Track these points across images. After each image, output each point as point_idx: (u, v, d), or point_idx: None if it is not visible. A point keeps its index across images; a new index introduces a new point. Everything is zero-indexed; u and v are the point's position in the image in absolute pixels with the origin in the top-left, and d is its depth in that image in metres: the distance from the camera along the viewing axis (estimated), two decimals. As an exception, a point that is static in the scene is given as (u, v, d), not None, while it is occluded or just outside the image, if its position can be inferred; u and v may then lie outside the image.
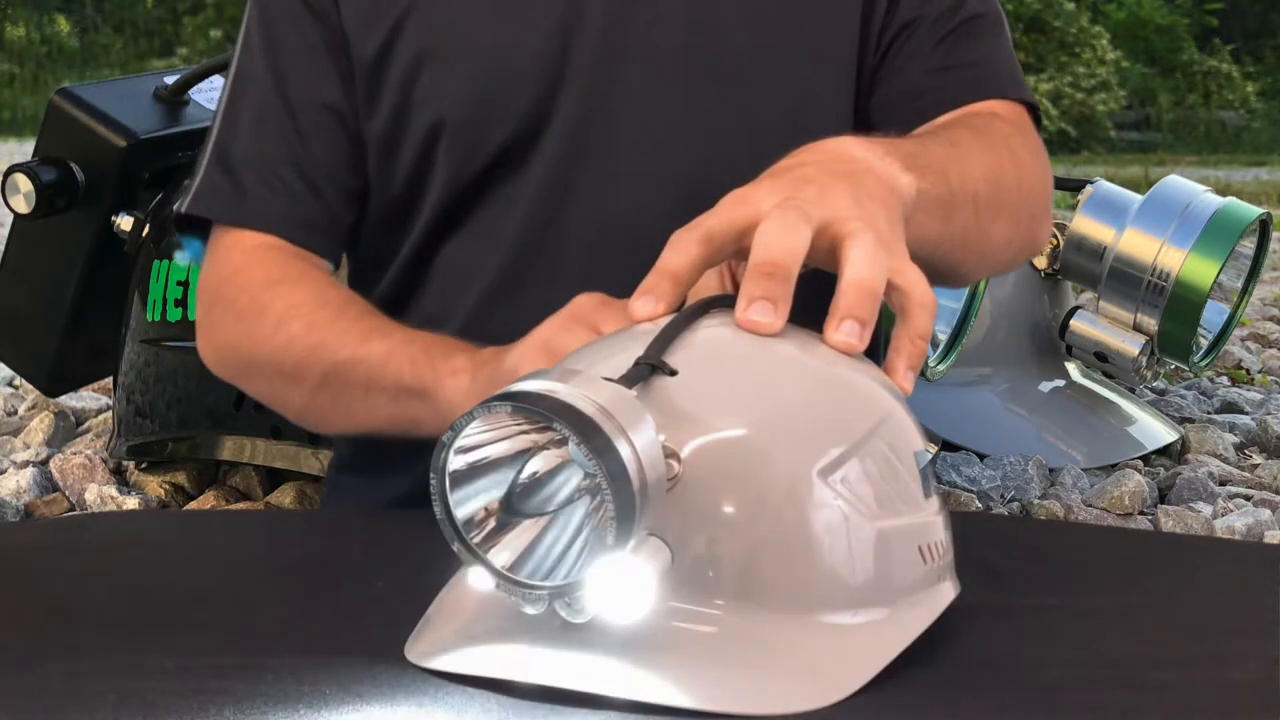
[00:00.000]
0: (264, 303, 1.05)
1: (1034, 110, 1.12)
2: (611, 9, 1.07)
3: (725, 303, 0.71)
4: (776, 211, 0.72)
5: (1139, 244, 1.99)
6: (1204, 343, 2.08)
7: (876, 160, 0.82)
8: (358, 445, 1.20)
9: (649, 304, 0.71)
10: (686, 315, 0.69)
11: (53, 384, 2.12)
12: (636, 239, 1.03)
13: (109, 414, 2.19)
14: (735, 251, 0.74)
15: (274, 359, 1.04)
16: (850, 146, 0.83)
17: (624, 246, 1.04)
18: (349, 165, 1.11)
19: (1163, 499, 1.90)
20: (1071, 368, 2.20)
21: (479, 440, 0.62)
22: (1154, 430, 2.14)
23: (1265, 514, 1.75)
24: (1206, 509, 1.80)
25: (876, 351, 0.73)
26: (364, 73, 1.09)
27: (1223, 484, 1.97)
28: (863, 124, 1.11)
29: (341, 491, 1.22)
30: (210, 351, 1.11)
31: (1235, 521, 1.72)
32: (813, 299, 0.72)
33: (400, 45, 1.08)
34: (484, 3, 1.09)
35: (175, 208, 1.13)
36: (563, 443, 0.61)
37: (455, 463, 0.62)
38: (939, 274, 0.98)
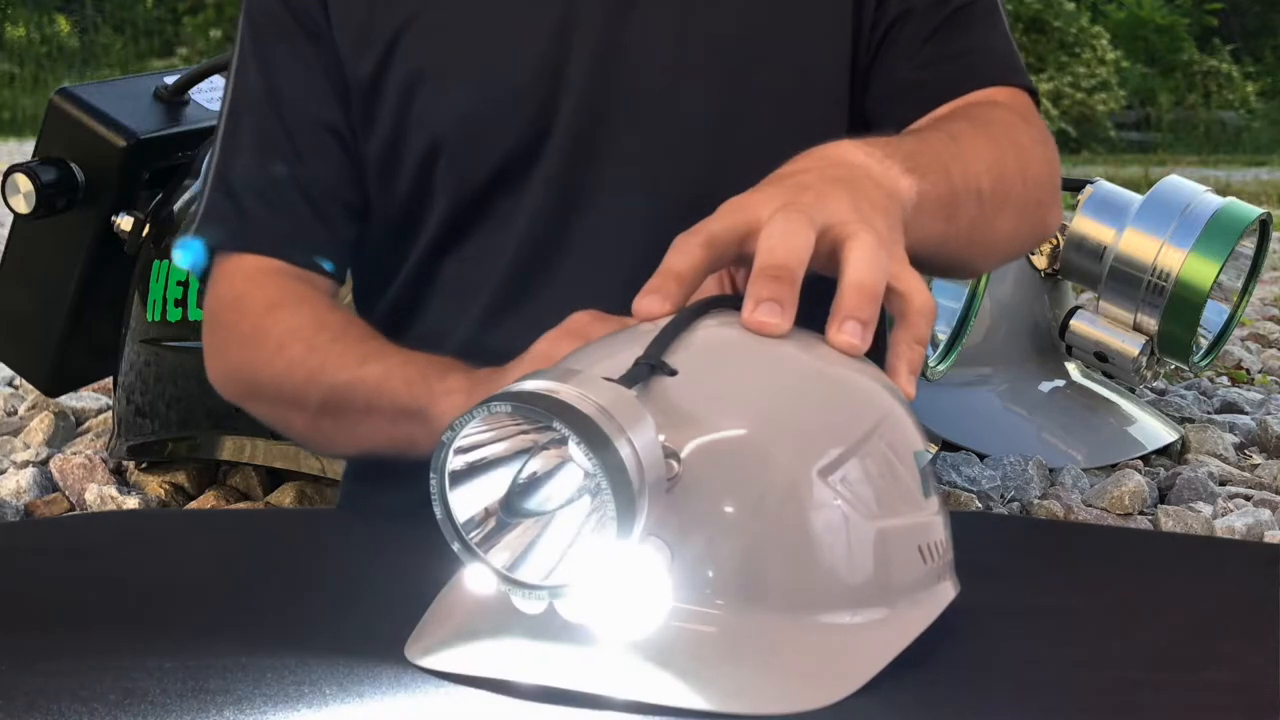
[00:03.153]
0: (264, 327, 1.06)
1: (1034, 95, 1.12)
2: (605, 24, 1.07)
3: (725, 303, 0.71)
4: (780, 215, 0.72)
5: (1139, 244, 1.99)
6: (1204, 343, 2.08)
7: (875, 164, 0.82)
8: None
9: (656, 301, 0.71)
10: (686, 315, 0.69)
11: (53, 384, 2.12)
12: (638, 252, 1.03)
13: (109, 414, 2.19)
14: (736, 257, 0.74)
15: (275, 383, 1.05)
16: (849, 151, 0.82)
17: (626, 260, 1.04)
18: (350, 183, 1.11)
19: (1163, 499, 1.90)
20: (1071, 368, 2.20)
21: (479, 440, 0.62)
22: (1154, 430, 2.14)
23: (1265, 514, 1.75)
24: (1206, 509, 1.80)
25: (875, 352, 0.73)
26: (359, 94, 1.09)
27: (1223, 484, 1.97)
28: (860, 122, 1.11)
29: (353, 501, 1.22)
30: (216, 376, 1.12)
31: (1235, 521, 1.72)
32: (810, 302, 0.72)
33: (394, 66, 1.08)
34: (477, 22, 1.08)
35: (181, 233, 1.13)
36: (562, 442, 0.61)
37: (455, 462, 0.62)
38: (946, 269, 0.98)
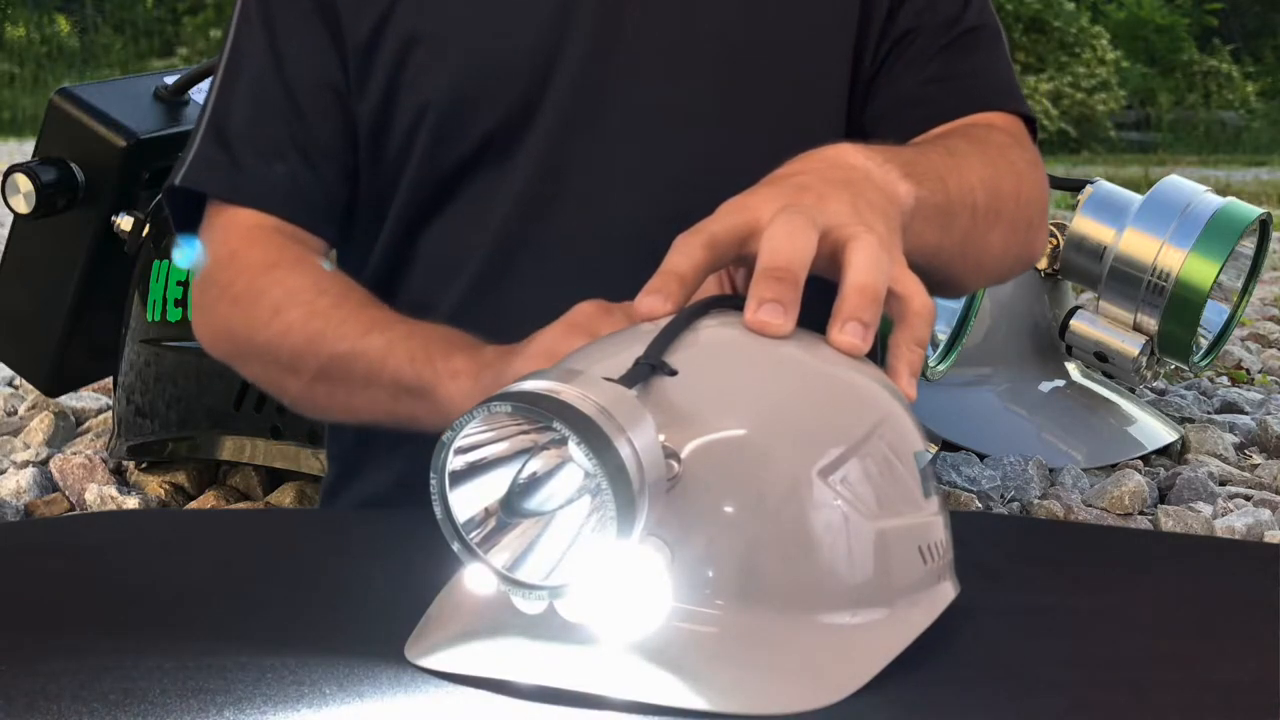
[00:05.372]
0: (261, 288, 1.04)
1: (1031, 123, 1.12)
2: (605, 7, 1.07)
3: (726, 303, 0.71)
4: (783, 216, 0.72)
5: (1139, 244, 1.99)
6: (1204, 343, 2.09)
7: (875, 168, 0.82)
8: (337, 443, 1.20)
9: (658, 301, 0.71)
10: (687, 315, 0.69)
11: (53, 384, 2.12)
12: (624, 232, 1.03)
13: (109, 414, 2.19)
14: (736, 257, 0.74)
15: (271, 346, 1.04)
16: (849, 154, 0.83)
17: (612, 239, 1.05)
18: (346, 142, 1.10)
19: (1163, 499, 1.90)
20: (1071, 368, 2.20)
21: (479, 440, 0.62)
22: (1154, 430, 2.14)
23: (1265, 514, 1.75)
24: (1206, 509, 1.80)
25: (874, 355, 0.73)
26: (356, 55, 1.08)
27: (1223, 484, 1.97)
28: (859, 133, 1.11)
29: (333, 491, 1.22)
30: (206, 333, 1.10)
31: (1235, 521, 1.72)
32: (810, 303, 0.72)
33: (391, 28, 1.07)
34: None
35: (168, 181, 1.11)
36: (563, 442, 0.61)
37: (455, 462, 0.62)
38: (937, 283, 0.98)
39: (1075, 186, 2.10)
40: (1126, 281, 2.00)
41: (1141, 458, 2.07)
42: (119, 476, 1.96)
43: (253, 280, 1.05)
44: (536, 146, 1.07)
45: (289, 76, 1.09)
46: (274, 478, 1.94)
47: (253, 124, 1.09)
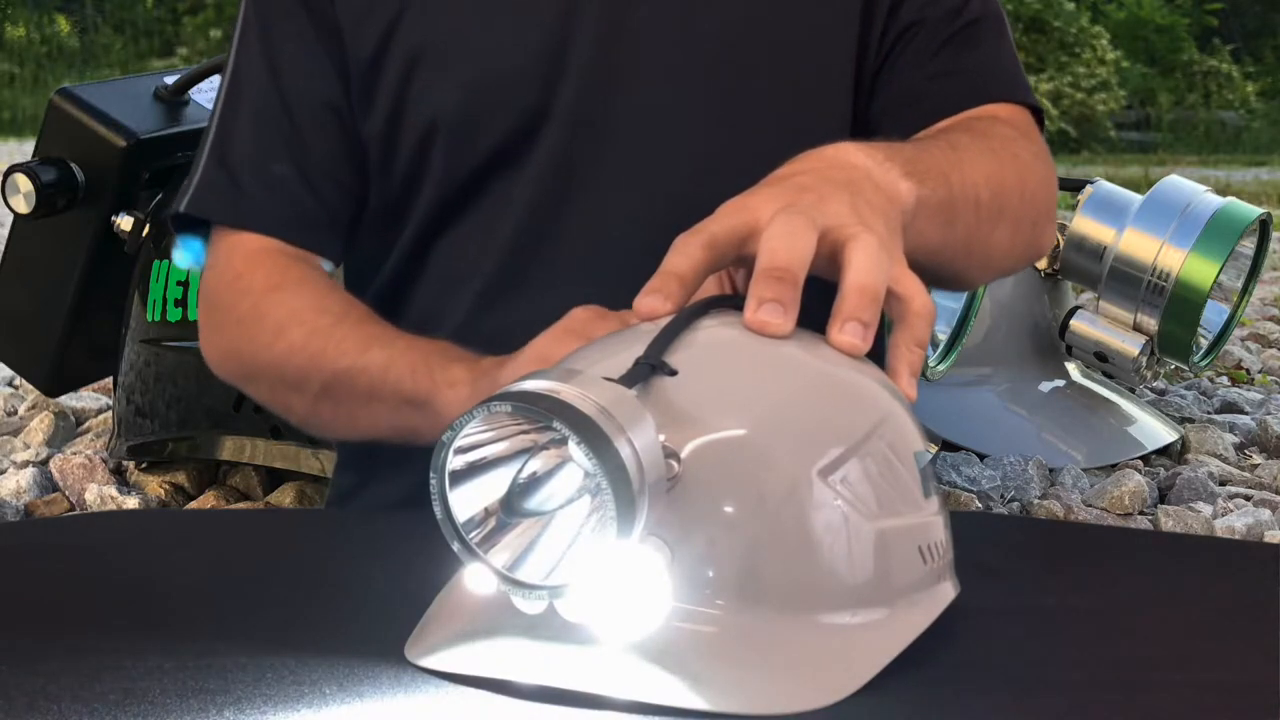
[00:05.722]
0: (264, 310, 1.05)
1: (1038, 113, 1.12)
2: (608, 10, 1.07)
3: (725, 303, 0.71)
4: (782, 216, 0.72)
5: (1139, 244, 1.99)
6: (1204, 343, 2.09)
7: (876, 167, 0.82)
8: (350, 447, 1.20)
9: (657, 301, 0.71)
10: (687, 315, 0.69)
11: (53, 384, 2.12)
12: (633, 241, 1.03)
13: (109, 414, 2.19)
14: (736, 258, 0.74)
15: (275, 367, 1.05)
16: (849, 153, 0.83)
17: (621, 249, 1.05)
18: (348, 162, 1.11)
19: (1163, 499, 1.90)
20: (1071, 368, 2.20)
21: (479, 440, 0.62)
22: (1154, 430, 2.14)
23: (1265, 514, 1.75)
24: (1206, 509, 1.80)
25: (874, 355, 0.74)
26: (359, 74, 1.09)
27: (1223, 484, 1.97)
28: (864, 129, 1.11)
29: (341, 494, 1.22)
30: (213, 357, 1.12)
31: (1235, 521, 1.72)
32: (809, 304, 0.72)
33: (394, 45, 1.08)
34: (479, 1, 1.08)
35: (173, 207, 1.12)
36: (563, 442, 0.61)
37: (455, 462, 0.62)
38: (942, 279, 0.98)
39: (1075, 186, 2.10)
40: (1126, 281, 2.00)
41: (1141, 458, 2.07)
42: (119, 476, 1.96)
43: (256, 303, 1.06)
44: (545, 153, 1.07)
45: (289, 98, 1.10)
46: (274, 478, 1.94)
47: (255, 147, 1.10)
